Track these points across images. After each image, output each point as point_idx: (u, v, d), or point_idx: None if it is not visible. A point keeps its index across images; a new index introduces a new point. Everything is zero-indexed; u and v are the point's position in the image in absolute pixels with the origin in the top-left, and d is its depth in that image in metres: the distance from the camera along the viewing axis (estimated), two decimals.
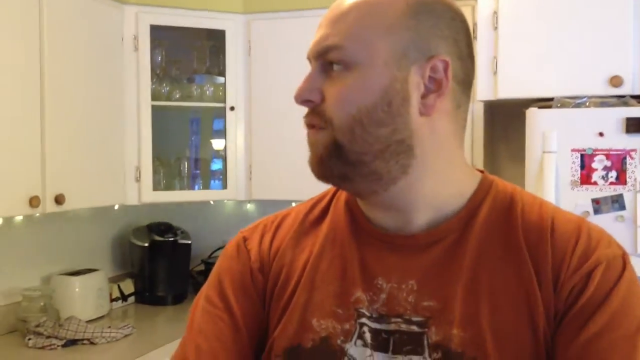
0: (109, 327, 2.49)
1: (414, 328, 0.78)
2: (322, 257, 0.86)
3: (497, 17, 2.51)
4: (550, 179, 2.20)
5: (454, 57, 0.80)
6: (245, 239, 0.92)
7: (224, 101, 2.98)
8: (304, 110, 0.82)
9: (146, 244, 3.03)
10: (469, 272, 0.79)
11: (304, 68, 0.82)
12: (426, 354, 0.77)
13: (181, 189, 3.08)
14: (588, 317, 0.75)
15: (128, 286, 3.05)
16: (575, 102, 2.29)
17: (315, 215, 0.92)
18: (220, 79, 3.03)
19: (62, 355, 2.29)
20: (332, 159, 0.79)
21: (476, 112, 2.71)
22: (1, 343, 2.41)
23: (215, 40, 3.04)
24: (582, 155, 2.19)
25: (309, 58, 0.83)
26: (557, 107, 2.31)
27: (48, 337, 2.34)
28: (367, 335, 0.80)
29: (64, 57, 2.42)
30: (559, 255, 0.78)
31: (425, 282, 0.80)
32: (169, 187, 3.03)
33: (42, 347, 2.30)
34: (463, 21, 0.83)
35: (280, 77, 2.89)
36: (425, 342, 0.77)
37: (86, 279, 2.73)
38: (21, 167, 2.23)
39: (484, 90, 2.55)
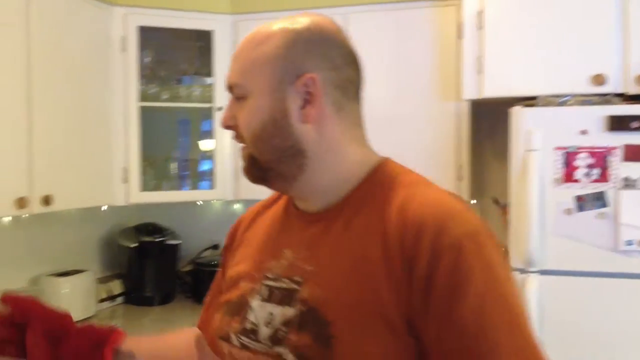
0: None
1: (294, 286, 0.98)
2: (255, 233, 1.13)
3: (482, 17, 2.54)
4: (534, 177, 2.22)
5: (325, 70, 0.97)
6: None
7: (212, 102, 2.99)
8: None
9: (134, 245, 3.04)
10: (336, 242, 0.97)
11: None
12: (296, 305, 0.95)
13: (169, 189, 3.08)
14: (448, 302, 0.85)
15: (116, 287, 3.06)
16: (558, 100, 2.31)
17: (266, 205, 1.18)
18: (209, 80, 3.04)
19: None
20: (253, 167, 1.02)
21: (462, 111, 2.73)
22: None
23: (203, 41, 3.05)
24: (565, 153, 2.21)
25: None
26: (541, 105, 2.33)
27: None
28: (264, 292, 1.02)
29: (52, 57, 2.43)
30: (411, 235, 0.88)
31: (309, 250, 1.00)
32: (157, 187, 3.03)
33: None
34: (335, 37, 1.00)
35: None
36: (297, 297, 0.96)
37: (74, 280, 2.74)
38: (8, 168, 2.23)
39: (469, 89, 2.58)
